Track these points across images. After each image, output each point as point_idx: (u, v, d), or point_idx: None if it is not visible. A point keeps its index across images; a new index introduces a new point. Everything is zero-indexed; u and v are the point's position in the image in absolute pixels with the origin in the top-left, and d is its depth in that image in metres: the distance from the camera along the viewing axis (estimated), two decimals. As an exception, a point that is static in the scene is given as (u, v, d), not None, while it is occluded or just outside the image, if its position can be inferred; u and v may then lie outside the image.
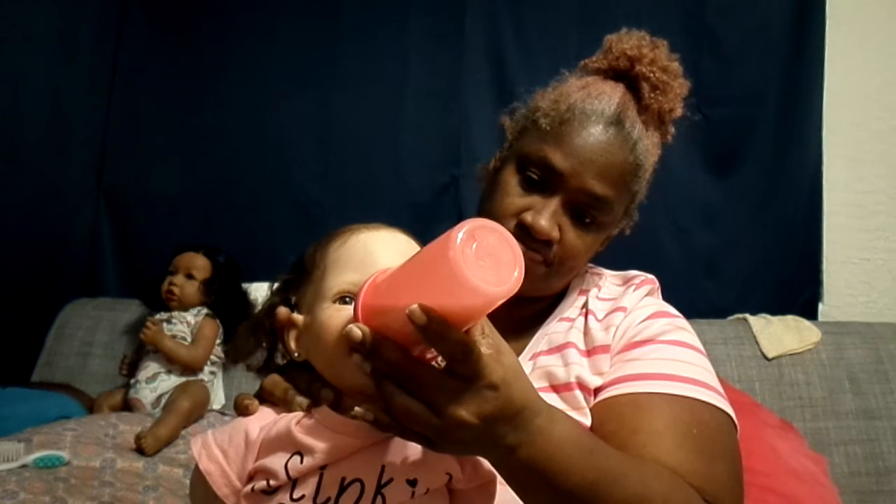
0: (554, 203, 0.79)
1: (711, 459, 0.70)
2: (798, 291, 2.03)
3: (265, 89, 2.17)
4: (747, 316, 1.86)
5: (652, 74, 0.83)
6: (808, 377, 1.73)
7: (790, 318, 1.85)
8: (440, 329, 0.48)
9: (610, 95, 0.82)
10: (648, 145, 0.83)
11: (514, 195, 0.81)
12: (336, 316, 0.60)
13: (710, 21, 2.04)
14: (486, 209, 0.83)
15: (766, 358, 1.76)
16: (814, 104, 2.02)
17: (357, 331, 0.52)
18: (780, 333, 1.79)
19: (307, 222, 2.10)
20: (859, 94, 2.05)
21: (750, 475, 0.74)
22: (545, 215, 0.78)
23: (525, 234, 0.79)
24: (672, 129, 0.88)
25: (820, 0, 2.01)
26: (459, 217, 2.07)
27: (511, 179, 0.82)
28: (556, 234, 0.78)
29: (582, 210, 0.80)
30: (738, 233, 2.04)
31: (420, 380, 0.51)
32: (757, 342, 1.78)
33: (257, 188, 2.15)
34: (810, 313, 1.98)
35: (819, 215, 2.02)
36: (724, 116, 2.02)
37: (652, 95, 0.83)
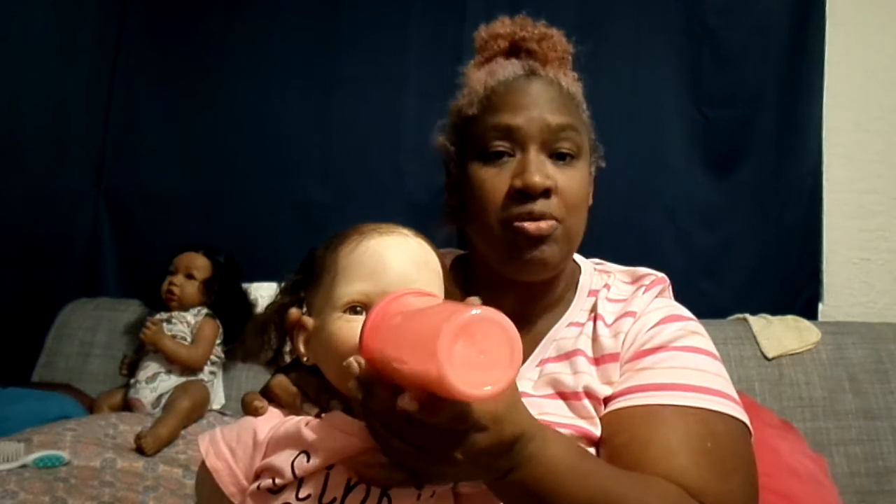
0: (530, 156, 0.77)
1: (726, 474, 0.69)
2: (798, 291, 2.02)
3: (265, 89, 2.17)
4: (747, 316, 1.86)
5: (530, 33, 0.84)
6: (808, 377, 1.73)
7: (790, 318, 1.85)
8: (432, 410, 0.49)
9: (511, 63, 0.83)
10: (568, 80, 0.84)
11: (493, 178, 0.78)
12: (346, 328, 0.60)
13: (710, 21, 2.03)
14: (478, 209, 0.80)
15: (766, 358, 1.76)
16: (814, 104, 2.02)
17: (355, 365, 0.53)
18: (780, 333, 1.79)
19: (307, 222, 2.10)
20: (859, 94, 2.05)
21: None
22: (530, 169, 0.76)
23: (524, 197, 0.76)
24: (576, 74, 0.88)
25: (820, 0, 2.02)
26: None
27: (480, 170, 0.80)
28: (550, 181, 0.76)
29: (555, 146, 0.79)
30: (738, 233, 2.04)
31: (407, 428, 0.52)
32: (757, 342, 1.78)
33: (257, 188, 2.15)
34: (810, 313, 1.97)
35: (819, 215, 2.02)
36: (724, 116, 2.02)
37: (542, 47, 0.84)
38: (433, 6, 2.12)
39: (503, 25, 0.86)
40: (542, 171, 0.76)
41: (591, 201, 0.84)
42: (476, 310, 0.47)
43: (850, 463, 1.65)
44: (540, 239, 0.76)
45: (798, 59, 2.02)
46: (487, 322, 0.47)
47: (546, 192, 0.76)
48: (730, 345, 1.77)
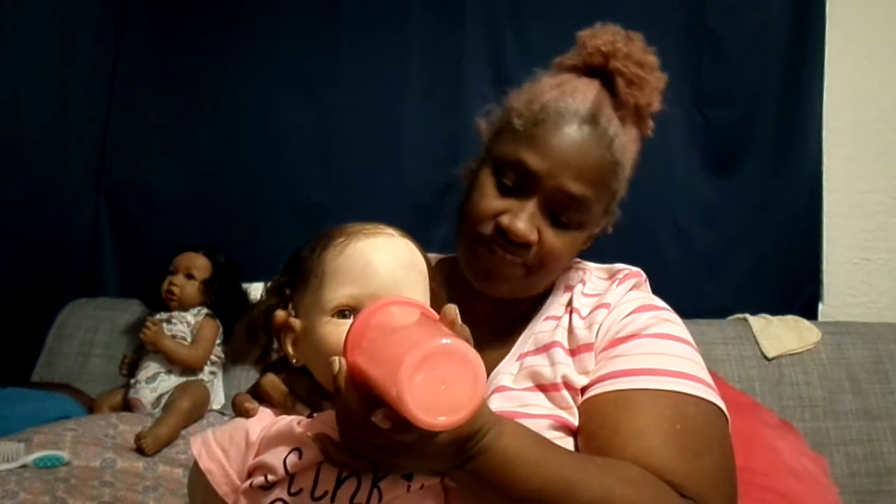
0: (531, 205, 0.77)
1: (696, 455, 0.69)
2: (798, 291, 2.03)
3: (265, 89, 2.17)
4: (747, 316, 1.86)
5: (627, 69, 0.81)
6: (808, 377, 1.73)
7: (790, 318, 1.86)
8: (401, 429, 0.51)
9: (584, 93, 0.80)
10: (626, 142, 0.81)
11: (490, 197, 0.79)
12: (335, 332, 0.60)
13: (710, 21, 2.04)
14: (465, 213, 0.82)
15: (766, 358, 1.76)
16: (814, 104, 2.02)
17: (336, 365, 0.55)
18: (780, 333, 1.79)
19: (307, 222, 2.10)
20: (859, 94, 2.05)
21: (750, 475, 0.74)
22: (522, 218, 0.76)
23: (503, 237, 0.77)
24: (651, 124, 0.87)
25: (820, 0, 2.02)
26: (459, 217, 2.08)
27: (488, 181, 0.80)
28: (534, 236, 0.77)
29: (560, 211, 0.78)
30: (738, 233, 2.04)
31: (373, 433, 0.54)
32: (757, 342, 1.78)
33: (257, 188, 2.15)
34: (810, 313, 1.98)
35: (819, 215, 2.02)
36: (724, 116, 2.02)
37: (628, 91, 0.81)
38: (433, 6, 2.12)
39: (611, 42, 0.83)
40: (531, 223, 0.77)
41: (585, 246, 0.86)
42: (444, 339, 0.49)
43: (850, 463, 1.65)
44: (498, 274, 0.79)
45: (798, 59, 2.02)
46: (450, 354, 0.49)
47: (526, 244, 0.77)
48: (730, 345, 1.78)
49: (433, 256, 0.97)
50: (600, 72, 0.83)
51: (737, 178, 2.04)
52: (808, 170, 2.02)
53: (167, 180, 2.19)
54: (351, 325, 0.56)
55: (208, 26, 2.21)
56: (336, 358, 0.55)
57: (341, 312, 0.61)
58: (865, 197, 2.04)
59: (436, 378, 0.48)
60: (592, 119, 0.78)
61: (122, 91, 2.22)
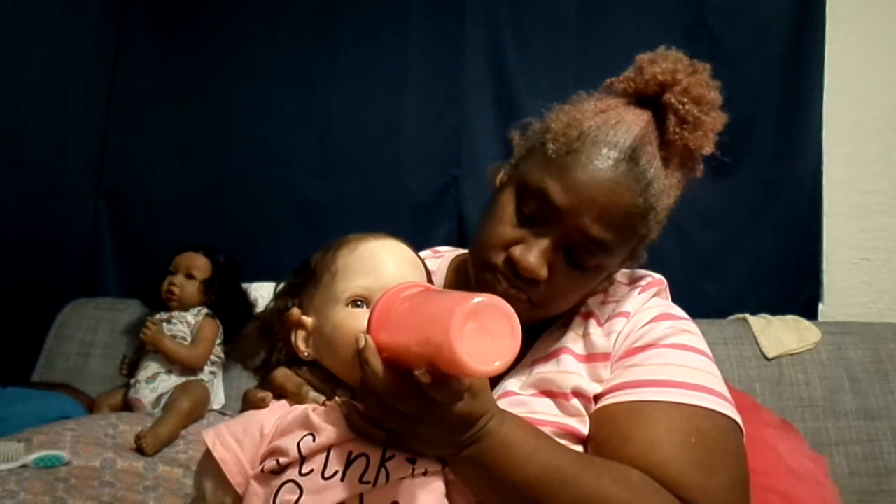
0: (546, 240, 0.72)
1: (710, 470, 0.68)
2: (798, 291, 2.03)
3: (265, 89, 2.17)
4: (747, 316, 1.86)
5: (681, 105, 0.74)
6: (808, 377, 1.73)
7: (790, 318, 1.85)
8: (442, 384, 0.56)
9: (630, 125, 0.73)
10: (665, 186, 0.75)
11: (507, 224, 0.74)
12: (350, 318, 0.66)
13: (710, 21, 2.04)
14: (479, 234, 0.78)
15: (766, 358, 1.76)
16: (814, 104, 2.02)
17: (362, 340, 0.59)
18: (780, 333, 1.79)
19: (307, 222, 2.10)
20: (859, 94, 2.05)
21: (750, 475, 0.73)
22: (534, 252, 0.71)
23: (511, 269, 0.73)
24: (700, 166, 0.81)
25: (820, 0, 2.02)
26: (459, 217, 2.08)
27: (508, 206, 0.75)
28: (543, 273, 0.72)
29: (577, 251, 0.73)
30: (738, 233, 2.04)
31: (401, 398, 0.58)
32: (757, 342, 1.78)
33: (257, 188, 2.15)
34: (810, 313, 1.98)
35: (819, 215, 2.02)
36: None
37: (677, 130, 0.74)
38: (433, 6, 2.12)
39: (671, 71, 0.75)
40: (542, 259, 0.72)
41: (587, 294, 0.81)
42: (479, 297, 0.54)
43: (850, 463, 1.65)
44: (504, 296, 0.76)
45: (798, 59, 2.02)
46: (492, 307, 0.54)
47: (534, 280, 0.73)
48: (730, 345, 1.78)
49: (451, 249, 0.98)
50: (653, 102, 0.76)
51: (737, 178, 2.03)
52: (808, 170, 2.02)
53: (167, 180, 2.19)
54: (375, 305, 0.61)
55: (208, 26, 2.21)
56: (362, 334, 0.60)
57: (355, 302, 0.67)
58: (865, 197, 2.04)
59: (481, 329, 0.53)
60: (631, 157, 0.72)
61: (122, 91, 2.22)
